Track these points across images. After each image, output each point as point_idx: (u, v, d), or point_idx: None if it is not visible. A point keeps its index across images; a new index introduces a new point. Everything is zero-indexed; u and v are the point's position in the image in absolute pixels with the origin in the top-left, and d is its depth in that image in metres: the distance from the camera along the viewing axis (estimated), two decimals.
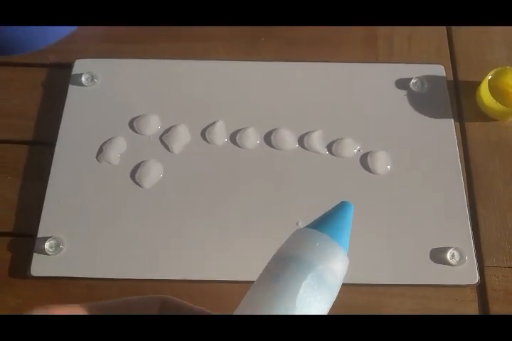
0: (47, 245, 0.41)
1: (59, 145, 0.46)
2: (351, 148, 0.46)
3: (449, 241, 0.42)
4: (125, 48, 0.51)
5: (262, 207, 0.43)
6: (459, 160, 0.45)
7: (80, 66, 0.49)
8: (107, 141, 0.46)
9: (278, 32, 0.52)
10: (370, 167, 0.45)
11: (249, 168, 0.45)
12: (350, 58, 0.51)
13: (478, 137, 0.47)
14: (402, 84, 0.49)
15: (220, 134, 0.46)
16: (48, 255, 0.41)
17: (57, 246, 0.41)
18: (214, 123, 0.47)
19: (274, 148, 0.46)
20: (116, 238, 0.42)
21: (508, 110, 0.46)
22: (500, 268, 0.42)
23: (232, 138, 0.46)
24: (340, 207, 0.29)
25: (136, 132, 0.46)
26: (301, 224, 0.42)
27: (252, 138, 0.46)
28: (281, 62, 0.50)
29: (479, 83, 0.48)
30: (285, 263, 0.25)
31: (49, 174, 0.44)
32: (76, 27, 0.52)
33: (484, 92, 0.47)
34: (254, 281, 0.25)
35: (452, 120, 0.47)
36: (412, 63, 0.50)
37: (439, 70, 0.49)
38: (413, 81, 0.48)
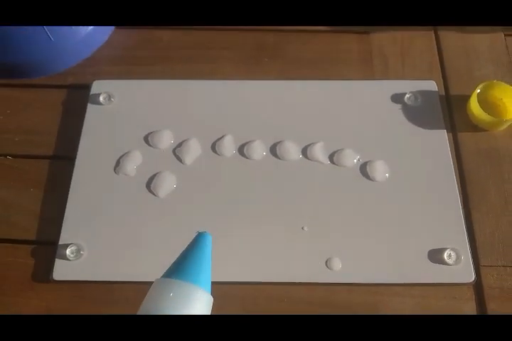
0: (68, 251, 0.43)
1: (79, 159, 0.48)
2: (351, 158, 0.48)
3: (445, 242, 0.44)
4: (138, 70, 0.54)
5: (269, 213, 0.45)
6: (453, 167, 0.47)
7: (97, 86, 0.52)
8: (123, 155, 0.48)
9: (280, 53, 0.55)
10: (370, 175, 0.47)
11: (257, 177, 0.47)
12: (348, 76, 0.53)
13: (470, 146, 0.49)
14: (397, 98, 0.51)
15: (228, 147, 0.49)
16: (69, 260, 0.43)
17: (77, 252, 0.44)
18: (223, 136, 0.49)
19: (280, 158, 0.48)
20: (133, 243, 0.44)
21: (497, 120, 0.48)
22: (495, 267, 0.43)
23: (240, 150, 0.49)
24: (197, 241, 0.31)
25: (151, 146, 0.49)
26: (307, 229, 0.45)
27: (259, 150, 0.49)
28: (284, 81, 0.53)
29: (469, 96, 0.50)
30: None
31: (69, 186, 0.47)
32: (92, 51, 0.55)
33: (474, 105, 0.49)
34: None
35: (445, 131, 0.49)
36: (406, 79, 0.52)
37: (431, 85, 0.52)
38: (407, 96, 0.51)
